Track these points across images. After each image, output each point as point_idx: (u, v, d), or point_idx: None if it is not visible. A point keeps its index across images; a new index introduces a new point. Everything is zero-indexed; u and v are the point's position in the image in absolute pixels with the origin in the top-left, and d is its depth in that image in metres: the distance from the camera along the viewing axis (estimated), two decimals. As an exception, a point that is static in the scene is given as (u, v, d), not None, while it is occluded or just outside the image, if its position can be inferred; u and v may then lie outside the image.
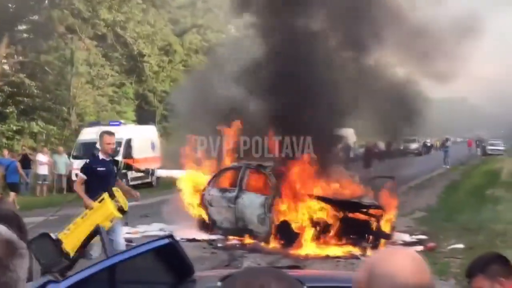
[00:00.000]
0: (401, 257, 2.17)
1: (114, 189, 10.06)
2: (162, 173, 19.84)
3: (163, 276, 4.92)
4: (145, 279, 5.17)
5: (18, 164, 27.49)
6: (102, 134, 11.78)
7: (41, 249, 5.01)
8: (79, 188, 11.42)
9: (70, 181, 31.26)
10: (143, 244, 4.77)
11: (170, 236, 4.73)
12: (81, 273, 4.47)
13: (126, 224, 17.51)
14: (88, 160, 11.91)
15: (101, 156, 11.56)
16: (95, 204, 9.58)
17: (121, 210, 9.65)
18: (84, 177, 11.49)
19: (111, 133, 11.94)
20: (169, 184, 34.69)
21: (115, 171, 11.48)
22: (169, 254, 4.67)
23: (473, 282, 4.26)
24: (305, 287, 2.04)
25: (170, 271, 4.80)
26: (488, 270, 4.21)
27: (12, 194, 25.59)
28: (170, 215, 19.71)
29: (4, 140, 38.62)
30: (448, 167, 48.78)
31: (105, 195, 9.59)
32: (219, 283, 3.74)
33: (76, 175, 17.80)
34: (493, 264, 4.25)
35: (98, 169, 11.39)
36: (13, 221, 4.75)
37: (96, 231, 5.50)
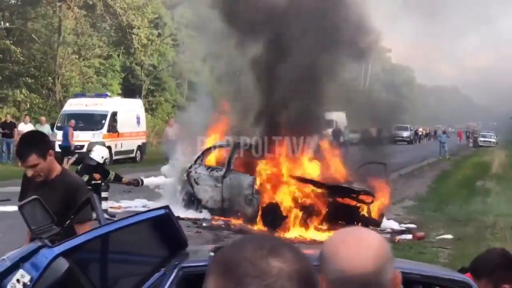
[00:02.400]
0: (348, 242, 2.07)
1: None
2: (149, 181, 19.55)
3: (156, 247, 4.85)
4: (138, 250, 5.06)
5: (70, 130, 30.21)
6: None
7: (32, 214, 4.76)
8: None
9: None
10: (138, 213, 4.64)
11: (166, 207, 4.49)
12: (75, 240, 4.39)
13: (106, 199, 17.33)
14: None
15: None
16: None
17: None
18: None
19: None
20: (153, 160, 34.46)
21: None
22: (163, 225, 4.53)
23: (478, 282, 4.41)
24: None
25: (163, 243, 4.71)
26: (493, 275, 4.35)
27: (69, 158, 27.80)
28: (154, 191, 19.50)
29: (-13, 107, 38.08)
30: (441, 158, 47.81)
31: None
32: (211, 253, 3.69)
33: (60, 146, 17.65)
34: (498, 270, 4.36)
35: None
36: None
37: (87, 200, 5.10)
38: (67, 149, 28.77)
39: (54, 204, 5.05)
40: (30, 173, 5.49)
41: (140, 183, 19.07)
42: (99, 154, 17.75)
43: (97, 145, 19.95)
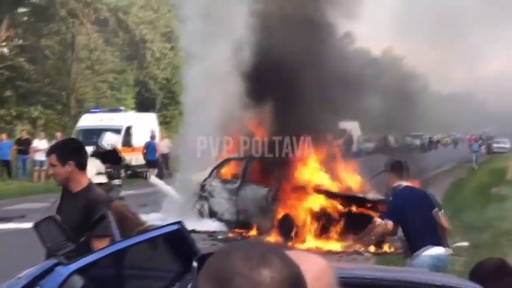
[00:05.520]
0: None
1: None
2: (154, 181, 19.62)
3: (170, 262, 4.88)
4: (153, 265, 5.12)
5: (157, 144, 32.81)
6: None
7: (47, 232, 4.80)
8: None
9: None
10: (152, 229, 4.81)
11: (179, 222, 4.56)
12: (89, 257, 4.45)
13: None
14: None
15: None
16: None
17: None
18: None
19: None
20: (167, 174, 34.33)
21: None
22: (177, 240, 4.58)
23: None
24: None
25: (177, 258, 4.72)
26: (486, 284, 4.43)
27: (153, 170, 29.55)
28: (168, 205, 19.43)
29: (3, 125, 38.23)
30: (476, 167, 46.92)
31: None
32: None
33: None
34: (490, 278, 4.50)
35: None
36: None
37: (103, 215, 5.11)
38: (153, 162, 31.36)
39: (73, 217, 5.10)
40: (50, 170, 5.65)
41: (145, 176, 19.19)
42: (106, 141, 17.79)
43: (107, 132, 19.85)
